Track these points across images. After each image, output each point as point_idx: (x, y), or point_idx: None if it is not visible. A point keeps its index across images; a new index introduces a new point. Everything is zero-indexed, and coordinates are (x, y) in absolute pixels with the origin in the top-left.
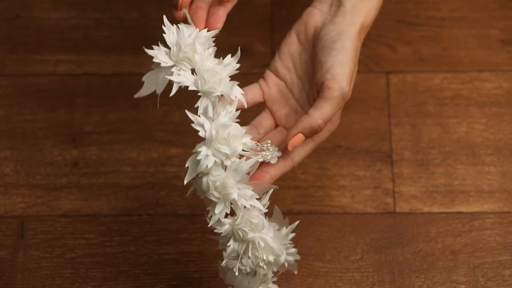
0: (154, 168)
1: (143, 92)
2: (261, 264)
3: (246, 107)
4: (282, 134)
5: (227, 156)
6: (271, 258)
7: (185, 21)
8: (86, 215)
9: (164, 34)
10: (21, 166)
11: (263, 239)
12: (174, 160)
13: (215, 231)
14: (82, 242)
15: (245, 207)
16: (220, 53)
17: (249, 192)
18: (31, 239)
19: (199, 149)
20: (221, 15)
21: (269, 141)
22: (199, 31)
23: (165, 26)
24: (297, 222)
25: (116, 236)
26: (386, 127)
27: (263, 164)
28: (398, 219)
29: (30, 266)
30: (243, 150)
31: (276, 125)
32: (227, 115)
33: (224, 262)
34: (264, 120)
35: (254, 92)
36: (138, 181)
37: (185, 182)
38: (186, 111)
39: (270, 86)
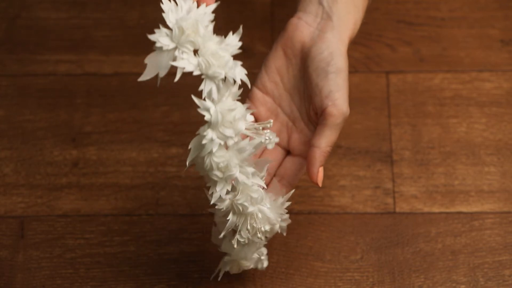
0: (154, 168)
1: (146, 75)
2: (258, 235)
3: (250, 87)
4: (294, 162)
5: (231, 138)
6: (267, 228)
7: None
8: (86, 215)
9: (163, 14)
10: (21, 166)
11: (261, 210)
12: (174, 160)
13: (216, 207)
14: (82, 242)
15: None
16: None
17: (250, 169)
18: (31, 239)
19: (204, 133)
20: None
21: (271, 120)
22: (197, 6)
23: (162, 3)
24: (293, 190)
25: (116, 236)
26: (386, 127)
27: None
28: (398, 219)
29: (30, 266)
30: (246, 129)
31: None
32: (231, 96)
33: (222, 234)
34: None
35: None
36: (138, 181)
37: (187, 163)
38: (192, 96)
39: (257, 106)
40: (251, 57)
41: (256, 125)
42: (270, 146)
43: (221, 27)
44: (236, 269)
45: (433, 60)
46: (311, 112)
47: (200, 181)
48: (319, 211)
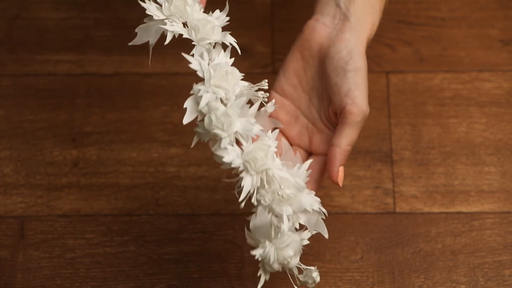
0: (154, 168)
1: (137, 41)
2: (278, 194)
3: (240, 53)
4: (317, 162)
5: (226, 93)
6: (290, 192)
7: None
8: (86, 215)
9: None
10: (21, 166)
11: (276, 167)
12: (174, 160)
13: (223, 160)
14: (82, 242)
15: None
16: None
17: (252, 121)
18: (31, 239)
19: (198, 87)
20: None
21: (266, 80)
22: None
23: None
24: (310, 160)
25: (116, 236)
26: (386, 127)
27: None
28: (398, 219)
29: (30, 266)
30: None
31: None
32: (223, 58)
33: (241, 198)
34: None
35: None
36: (138, 181)
37: (184, 122)
38: (182, 53)
39: (276, 109)
40: (251, 57)
41: (251, 85)
42: (270, 109)
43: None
44: (269, 271)
45: (433, 60)
46: (331, 113)
47: (200, 181)
48: None
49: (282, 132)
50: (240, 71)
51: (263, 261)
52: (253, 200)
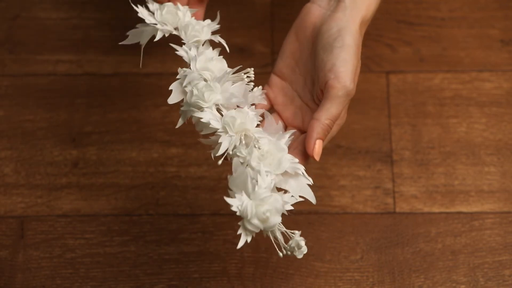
0: (154, 168)
1: (128, 41)
2: (255, 147)
3: (228, 51)
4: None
5: (211, 75)
6: (268, 148)
7: None
8: (86, 215)
9: (148, 4)
10: (21, 166)
11: (256, 131)
12: (174, 160)
13: (202, 120)
14: (82, 242)
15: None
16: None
17: (233, 93)
18: (31, 239)
19: (183, 70)
20: (200, 13)
21: (252, 68)
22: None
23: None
24: (293, 131)
25: (116, 236)
26: (386, 127)
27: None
28: (398, 219)
29: (30, 266)
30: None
31: (285, 125)
32: (211, 54)
33: (218, 154)
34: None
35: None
36: (138, 181)
37: (169, 102)
38: (170, 43)
39: (275, 91)
40: (251, 57)
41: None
42: (257, 101)
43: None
44: (250, 230)
45: (433, 60)
46: (318, 91)
47: (200, 181)
48: (319, 211)
49: (278, 113)
50: (240, 71)
51: (243, 218)
52: (230, 152)
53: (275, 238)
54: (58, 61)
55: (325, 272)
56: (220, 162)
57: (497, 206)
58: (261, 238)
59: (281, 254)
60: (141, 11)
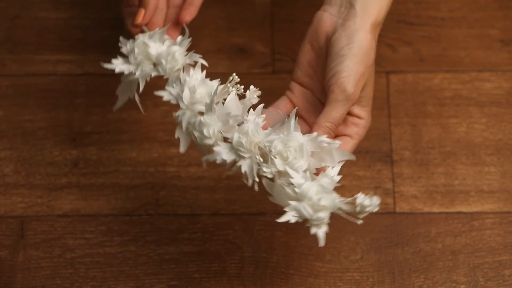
0: (154, 168)
1: (119, 103)
2: (270, 152)
3: (207, 65)
4: None
5: (203, 103)
6: (280, 147)
7: None
8: (86, 215)
9: (120, 45)
10: (21, 166)
11: (263, 135)
12: (174, 160)
13: (217, 161)
14: (82, 242)
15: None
16: (220, 53)
17: (229, 114)
18: (31, 239)
19: (177, 114)
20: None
21: (234, 73)
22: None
23: (121, 42)
24: (295, 110)
25: (116, 236)
26: (386, 127)
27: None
28: (398, 219)
29: (30, 266)
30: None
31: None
32: (194, 75)
33: (250, 182)
34: (283, 104)
35: (286, 105)
36: (138, 181)
37: (181, 151)
38: (154, 92)
39: (297, 96)
40: (251, 57)
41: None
42: (253, 101)
43: (221, 27)
44: (318, 222)
45: (433, 60)
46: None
47: (200, 181)
48: None
49: (303, 119)
50: (240, 71)
51: (308, 221)
52: (256, 178)
53: (344, 212)
54: (58, 61)
55: (325, 272)
56: (256, 188)
57: (497, 206)
58: (261, 238)
59: (359, 222)
60: (116, 64)
